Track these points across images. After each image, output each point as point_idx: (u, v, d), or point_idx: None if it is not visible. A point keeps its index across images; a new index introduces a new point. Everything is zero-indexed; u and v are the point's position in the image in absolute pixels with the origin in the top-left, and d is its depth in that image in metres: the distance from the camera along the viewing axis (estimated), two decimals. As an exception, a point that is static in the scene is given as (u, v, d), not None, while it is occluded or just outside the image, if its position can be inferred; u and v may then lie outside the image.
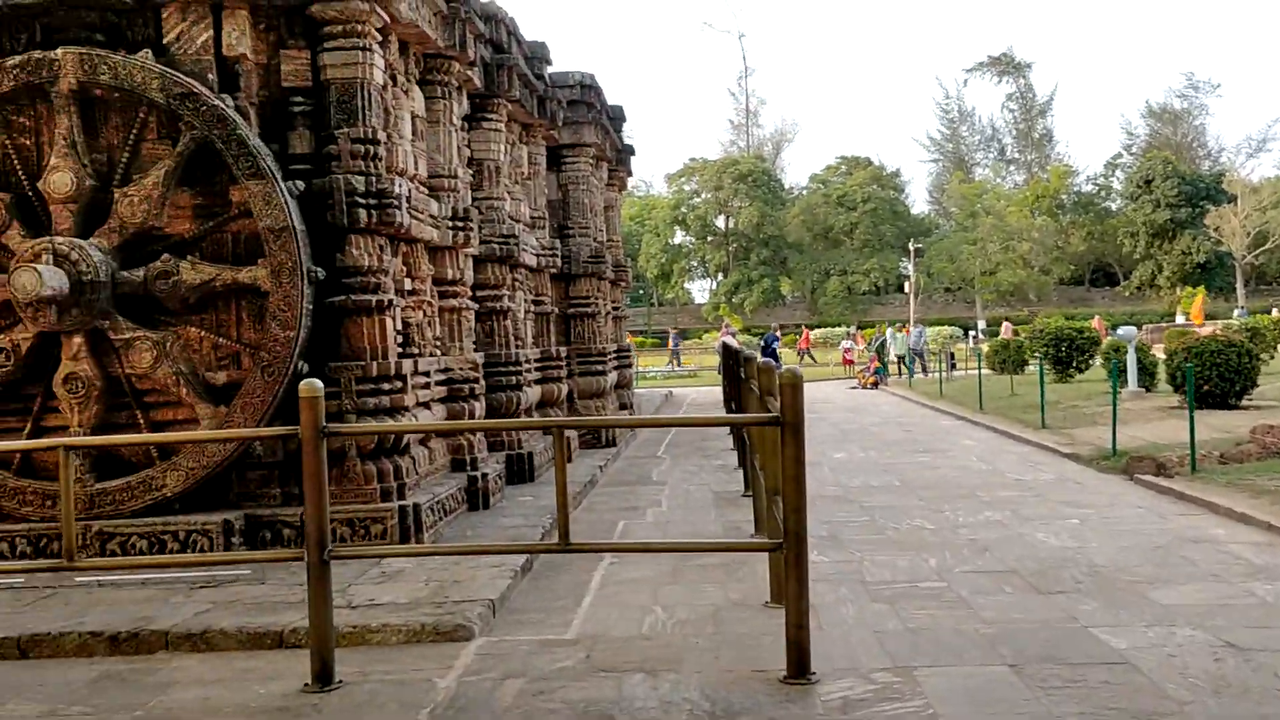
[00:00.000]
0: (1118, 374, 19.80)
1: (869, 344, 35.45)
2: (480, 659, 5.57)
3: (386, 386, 7.81)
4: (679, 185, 76.01)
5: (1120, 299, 76.13)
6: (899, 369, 31.39)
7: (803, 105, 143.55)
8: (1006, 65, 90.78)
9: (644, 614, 6.34)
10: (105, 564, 6.66)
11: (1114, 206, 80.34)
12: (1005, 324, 49.77)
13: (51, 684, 5.41)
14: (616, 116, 16.71)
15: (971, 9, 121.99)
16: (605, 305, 16.06)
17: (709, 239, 75.48)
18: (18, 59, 7.38)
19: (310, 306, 7.50)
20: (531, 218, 13.04)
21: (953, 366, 29.02)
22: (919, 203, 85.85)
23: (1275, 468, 10.40)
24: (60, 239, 7.23)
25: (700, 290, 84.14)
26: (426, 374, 8.86)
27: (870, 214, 70.76)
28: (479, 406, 9.81)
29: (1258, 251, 65.52)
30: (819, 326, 59.36)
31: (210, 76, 7.57)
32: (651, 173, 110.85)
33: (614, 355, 16.44)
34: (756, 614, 6.27)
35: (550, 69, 13.30)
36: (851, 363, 34.55)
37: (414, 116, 9.28)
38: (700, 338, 64.12)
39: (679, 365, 42.85)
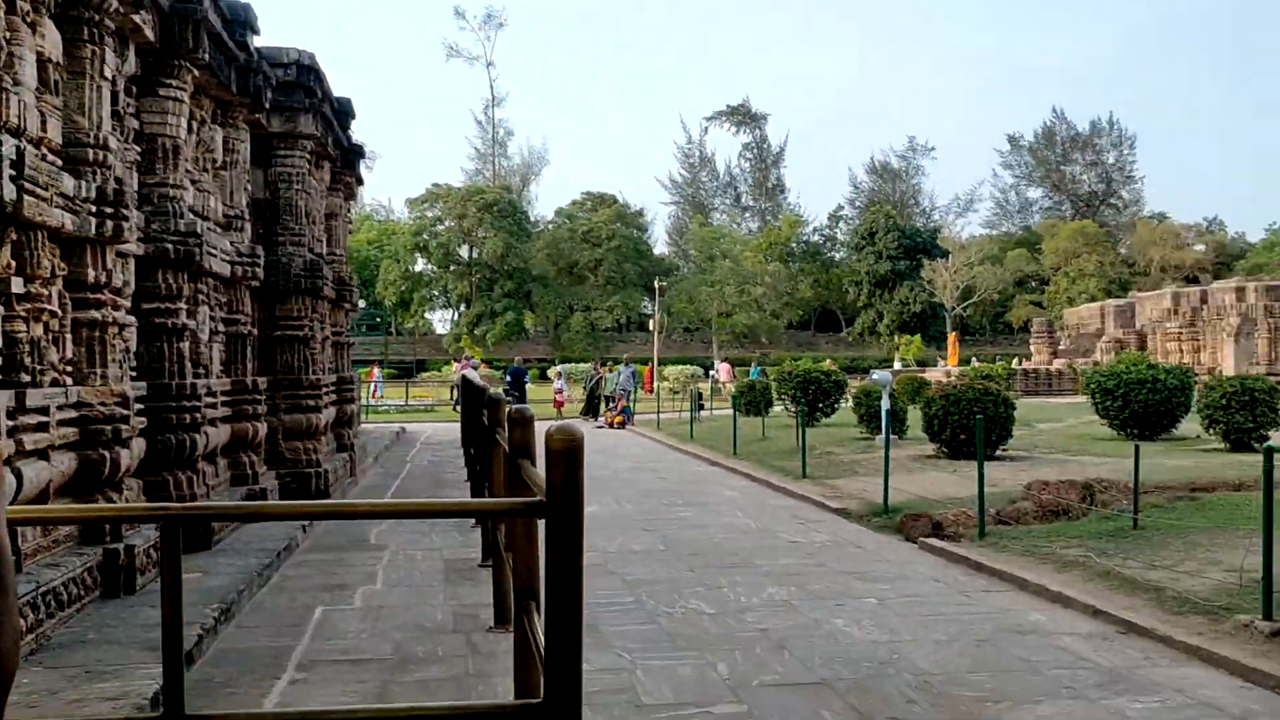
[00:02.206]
0: (869, 420, 19.39)
1: (586, 382, 33.64)
2: None
3: (-40, 431, 5.36)
4: (421, 211, 73.08)
5: (844, 344, 79.73)
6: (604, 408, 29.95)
7: (550, 138, 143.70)
8: (744, 116, 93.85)
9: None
10: None
11: (839, 256, 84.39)
12: (724, 364, 50.08)
13: None
14: (344, 110, 14.41)
15: (711, 56, 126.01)
16: (324, 329, 13.69)
17: (451, 268, 72.94)
18: None
19: None
20: (226, 217, 10.61)
21: (700, 407, 28.13)
22: (660, 243, 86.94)
23: (1063, 531, 9.55)
24: None
25: (441, 321, 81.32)
26: (43, 410, 6.39)
27: (614, 251, 70.55)
28: (128, 453, 7.37)
29: (965, 304, 70.01)
30: (563, 361, 58.01)
31: None
32: (392, 195, 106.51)
33: (332, 388, 14.06)
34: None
35: (259, 41, 10.96)
36: (562, 405, 31.90)
37: (46, 61, 6.84)
38: (440, 369, 61.43)
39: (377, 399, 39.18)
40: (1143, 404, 17.81)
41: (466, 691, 5.37)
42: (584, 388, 33.73)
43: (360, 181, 16.85)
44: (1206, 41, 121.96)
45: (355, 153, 15.79)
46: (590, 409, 30.47)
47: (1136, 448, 9.77)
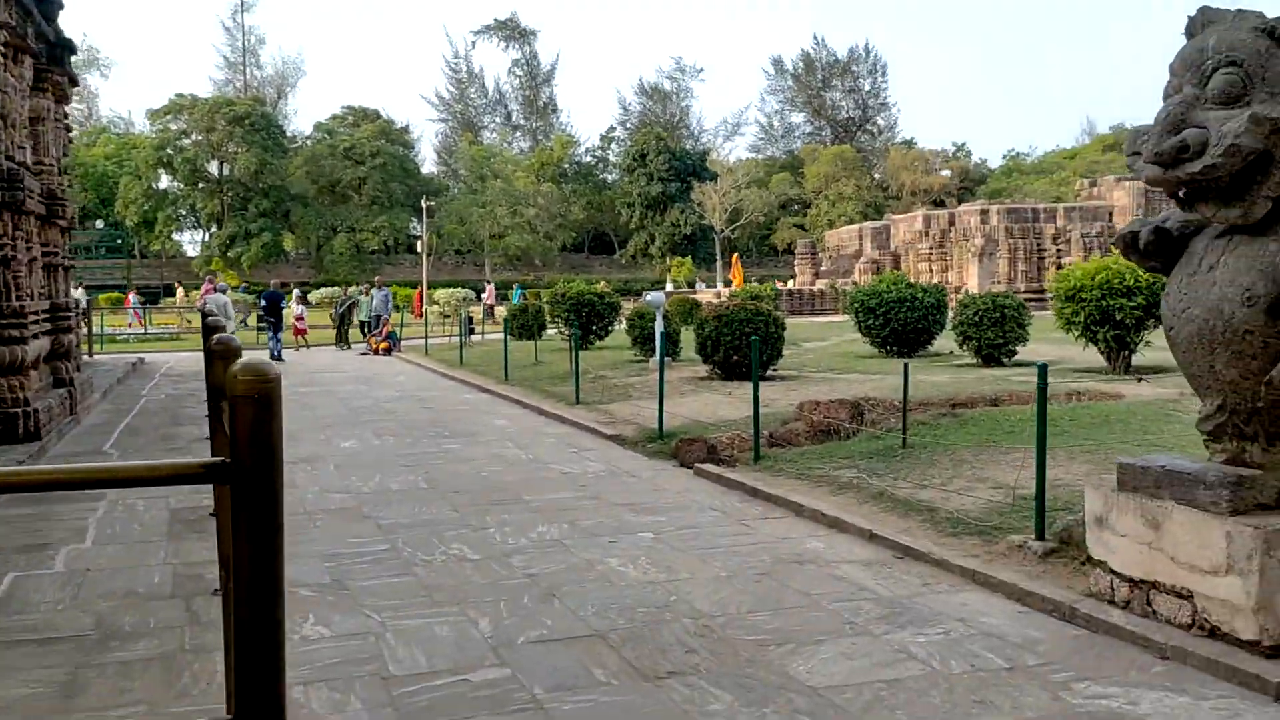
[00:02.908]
0: (643, 343, 19.12)
1: (335, 308, 31.85)
2: None
3: None
4: (164, 123, 67.35)
5: (617, 266, 79.99)
6: (363, 333, 28.61)
7: (306, 49, 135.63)
8: (513, 31, 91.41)
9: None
10: None
11: (611, 178, 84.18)
12: (489, 286, 49.33)
13: None
14: (46, -3, 12.48)
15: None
16: (31, 249, 11.96)
17: (200, 185, 67.87)
18: None
19: None
20: (-111, 114, 8.89)
21: (471, 331, 27.22)
22: (428, 162, 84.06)
23: (834, 451, 9.46)
24: None
25: (192, 243, 75.84)
26: None
27: (380, 169, 67.60)
28: None
29: (733, 226, 71.43)
30: (326, 285, 55.39)
31: None
32: (132, 108, 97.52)
33: (44, 316, 12.37)
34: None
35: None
36: (304, 332, 28.95)
37: None
38: (190, 295, 57.34)
39: (143, 326, 36.81)
40: (902, 322, 18.33)
41: (176, 673, 4.54)
42: (332, 314, 31.89)
43: (74, 82, 14.80)
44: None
45: (64, 47, 13.77)
46: (341, 337, 28.91)
47: (906, 366, 9.76)
